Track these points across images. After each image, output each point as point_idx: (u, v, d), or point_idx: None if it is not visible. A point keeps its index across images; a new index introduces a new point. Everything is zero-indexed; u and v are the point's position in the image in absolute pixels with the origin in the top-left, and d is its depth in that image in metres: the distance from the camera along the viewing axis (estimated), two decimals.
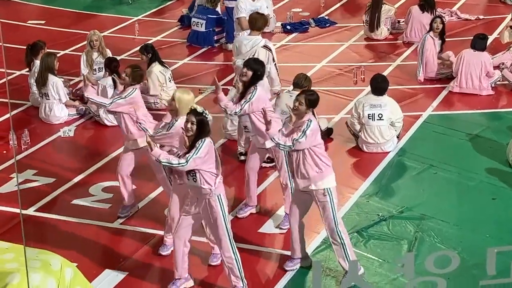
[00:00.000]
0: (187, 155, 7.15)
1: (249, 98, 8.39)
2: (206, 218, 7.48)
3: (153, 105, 11.56)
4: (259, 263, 8.29)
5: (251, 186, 8.97)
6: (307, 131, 7.50)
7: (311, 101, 7.62)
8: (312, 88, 11.03)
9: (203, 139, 7.19)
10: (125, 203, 9.07)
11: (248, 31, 10.79)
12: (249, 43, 10.33)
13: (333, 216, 7.69)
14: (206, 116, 7.24)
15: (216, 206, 7.35)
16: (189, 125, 7.19)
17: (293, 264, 8.05)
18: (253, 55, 10.07)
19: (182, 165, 7.15)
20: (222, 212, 7.38)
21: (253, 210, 9.08)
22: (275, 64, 10.27)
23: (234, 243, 7.51)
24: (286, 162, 8.50)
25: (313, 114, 7.73)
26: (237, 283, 7.53)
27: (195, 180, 7.27)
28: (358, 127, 10.53)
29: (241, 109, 8.39)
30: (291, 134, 7.58)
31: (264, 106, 8.40)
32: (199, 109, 7.24)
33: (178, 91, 7.98)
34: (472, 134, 10.95)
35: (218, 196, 7.35)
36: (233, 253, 7.48)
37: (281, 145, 7.55)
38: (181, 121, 7.68)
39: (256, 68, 8.49)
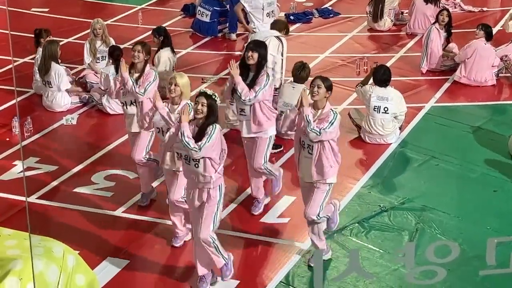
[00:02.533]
0: (200, 142, 7.12)
1: (264, 86, 8.37)
2: (202, 205, 7.46)
3: None
4: (261, 252, 8.31)
5: (254, 183, 8.94)
6: (334, 122, 7.48)
7: (328, 84, 7.56)
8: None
9: (214, 125, 7.20)
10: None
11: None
12: (265, 32, 10.58)
13: (321, 205, 7.72)
14: (216, 98, 7.26)
15: (215, 197, 7.35)
16: (199, 107, 7.18)
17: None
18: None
19: (196, 151, 7.12)
20: (218, 205, 7.40)
21: (266, 201, 9.03)
22: (282, 59, 10.26)
23: (215, 234, 7.47)
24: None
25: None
26: (219, 262, 7.53)
27: (197, 166, 7.24)
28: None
29: (255, 97, 8.36)
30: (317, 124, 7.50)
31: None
32: (209, 91, 7.27)
33: (178, 76, 7.93)
34: (474, 126, 10.96)
35: (219, 187, 7.37)
36: (213, 241, 7.41)
37: (311, 126, 7.40)
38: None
39: (261, 50, 8.44)
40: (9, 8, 15.46)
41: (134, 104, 8.71)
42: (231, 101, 9.32)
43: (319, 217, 7.71)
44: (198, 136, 7.20)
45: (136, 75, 8.75)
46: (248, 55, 8.40)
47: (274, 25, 10.64)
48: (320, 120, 7.52)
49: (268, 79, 8.43)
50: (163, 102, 7.96)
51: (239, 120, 8.71)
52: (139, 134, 8.77)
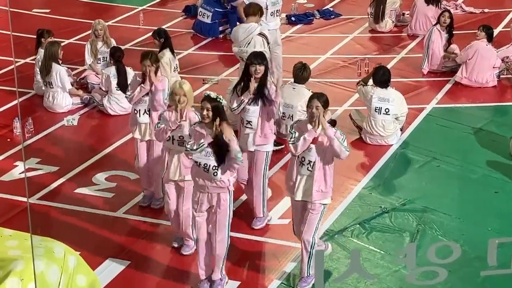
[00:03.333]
0: (236, 151, 7.07)
1: (280, 97, 8.38)
2: (213, 211, 7.39)
3: None
4: (262, 253, 8.31)
5: (251, 197, 8.74)
6: (345, 138, 7.45)
7: (325, 102, 7.43)
8: (314, 79, 11.09)
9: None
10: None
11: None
12: (245, 31, 10.38)
13: (317, 226, 7.55)
14: (221, 101, 7.19)
15: (225, 201, 7.28)
16: (205, 112, 7.13)
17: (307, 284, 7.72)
18: (249, 43, 10.15)
19: (242, 161, 7.20)
20: (229, 210, 7.35)
21: (269, 218, 8.80)
22: (269, 47, 10.30)
23: (229, 239, 7.46)
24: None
25: None
26: (217, 274, 7.52)
27: (216, 174, 7.18)
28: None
29: (279, 109, 8.41)
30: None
31: None
32: (213, 94, 7.21)
33: (181, 85, 7.78)
34: (475, 128, 10.95)
35: (230, 193, 7.31)
36: (226, 248, 7.40)
37: (344, 145, 7.34)
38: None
39: (264, 61, 8.30)
40: (10, 9, 15.47)
41: (148, 113, 8.69)
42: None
43: (314, 238, 7.55)
44: (217, 142, 7.11)
45: (149, 83, 8.69)
46: (255, 70, 8.21)
47: (249, 9, 10.52)
48: (323, 137, 7.40)
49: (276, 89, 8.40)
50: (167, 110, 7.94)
51: (244, 134, 8.48)
52: (151, 142, 8.75)
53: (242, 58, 10.29)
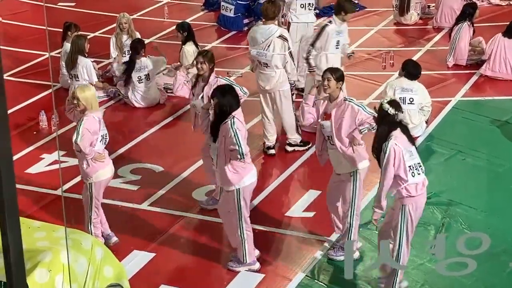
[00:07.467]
0: None
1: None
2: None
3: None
4: (286, 246, 8.31)
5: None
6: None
7: (338, 75, 7.63)
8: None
9: (387, 143, 6.84)
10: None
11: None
12: (264, 33, 9.79)
13: (351, 198, 7.83)
14: (388, 109, 6.86)
15: (396, 217, 7.08)
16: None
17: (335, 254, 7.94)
18: (269, 45, 9.72)
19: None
20: (402, 225, 7.06)
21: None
22: (289, 52, 9.77)
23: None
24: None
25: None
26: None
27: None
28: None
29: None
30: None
31: None
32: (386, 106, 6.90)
33: (78, 90, 7.91)
34: (501, 121, 10.88)
35: (402, 208, 7.00)
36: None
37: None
38: (88, 117, 7.82)
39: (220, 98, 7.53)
40: (34, 3, 15.57)
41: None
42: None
43: (351, 212, 7.86)
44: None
45: (202, 84, 8.54)
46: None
47: (266, 12, 9.75)
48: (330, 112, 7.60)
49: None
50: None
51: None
52: None
53: (260, 61, 9.87)
